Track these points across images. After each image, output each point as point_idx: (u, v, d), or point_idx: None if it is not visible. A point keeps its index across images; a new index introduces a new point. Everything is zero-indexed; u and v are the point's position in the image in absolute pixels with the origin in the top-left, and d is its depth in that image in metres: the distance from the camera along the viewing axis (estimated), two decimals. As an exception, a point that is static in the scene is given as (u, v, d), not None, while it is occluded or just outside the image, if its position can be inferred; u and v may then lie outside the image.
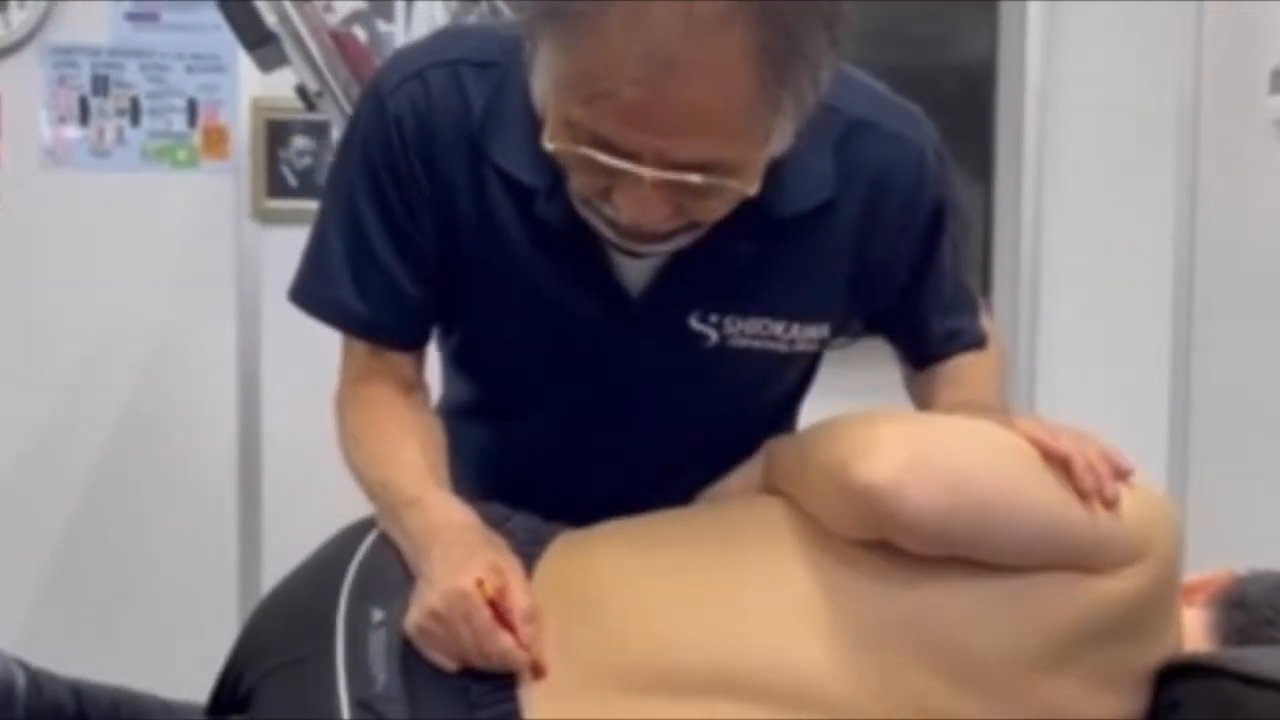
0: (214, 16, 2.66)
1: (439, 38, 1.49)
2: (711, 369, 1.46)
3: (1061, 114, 3.37)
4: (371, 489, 1.46)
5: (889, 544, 1.29)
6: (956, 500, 1.26)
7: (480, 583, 1.28)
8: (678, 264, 1.40)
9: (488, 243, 1.42)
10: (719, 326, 1.44)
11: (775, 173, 1.34)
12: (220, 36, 2.84)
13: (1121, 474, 1.32)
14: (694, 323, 1.43)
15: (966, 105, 3.35)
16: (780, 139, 1.26)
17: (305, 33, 2.40)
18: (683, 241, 1.34)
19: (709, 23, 1.15)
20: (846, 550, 1.31)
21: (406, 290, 1.46)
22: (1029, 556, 1.28)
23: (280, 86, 2.65)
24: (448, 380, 1.62)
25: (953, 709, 1.27)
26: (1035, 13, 3.32)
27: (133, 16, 3.27)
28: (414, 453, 1.46)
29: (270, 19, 2.42)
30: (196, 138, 3.31)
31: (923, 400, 1.64)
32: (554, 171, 1.34)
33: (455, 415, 1.57)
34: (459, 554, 1.33)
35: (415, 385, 1.53)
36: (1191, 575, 1.46)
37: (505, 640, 1.27)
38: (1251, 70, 2.91)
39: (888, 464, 1.26)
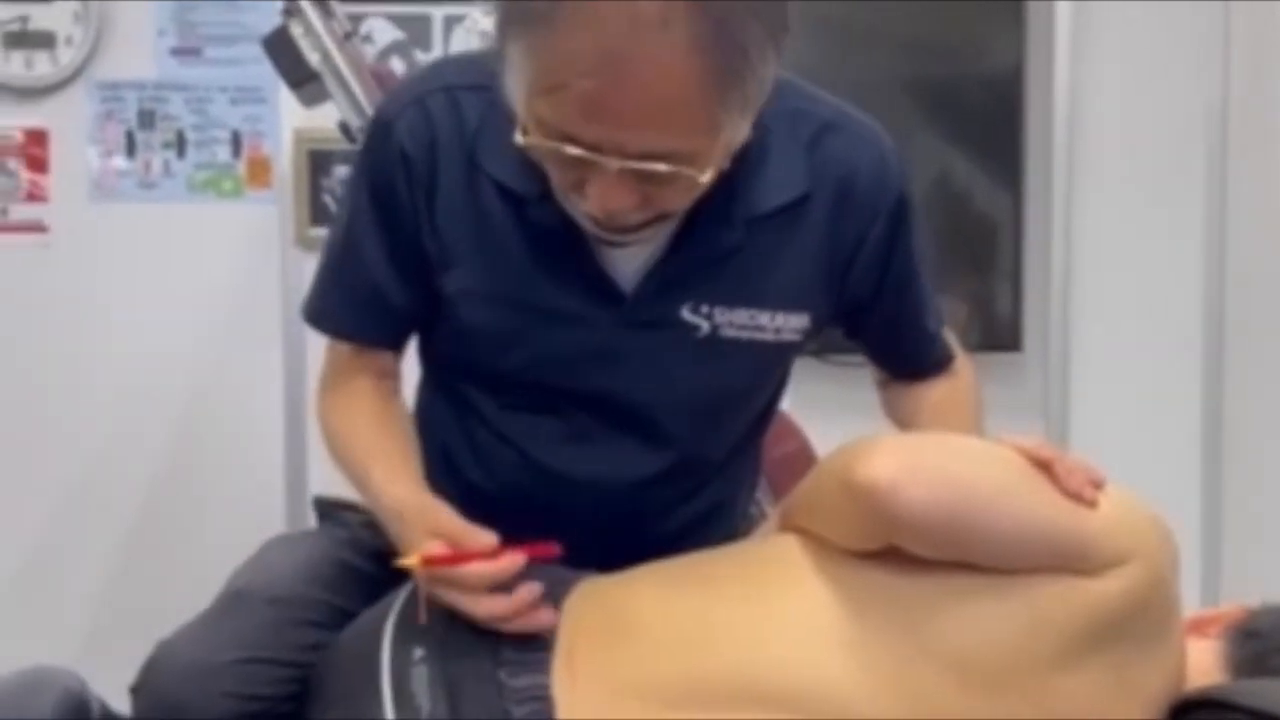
0: (256, 50, 2.72)
1: (435, 67, 1.62)
2: (703, 359, 1.55)
3: (1090, 121, 3.38)
4: (352, 480, 1.58)
5: (898, 555, 1.36)
6: (953, 496, 1.33)
7: (423, 561, 1.39)
8: (668, 259, 1.51)
9: (486, 251, 1.52)
10: (709, 317, 1.53)
11: (755, 171, 1.48)
12: (262, 70, 2.89)
13: (1096, 484, 1.39)
14: (686, 314, 1.53)
15: (995, 114, 3.36)
16: (732, 131, 1.36)
17: (347, 72, 2.46)
18: (656, 232, 1.44)
19: (651, 21, 1.25)
20: (859, 566, 1.39)
21: (395, 301, 1.58)
22: (1022, 555, 1.35)
23: (321, 118, 2.71)
24: (429, 388, 1.71)
25: (965, 712, 1.33)
26: (1063, 20, 3.33)
27: (177, 52, 3.34)
28: (374, 439, 1.58)
29: (313, 58, 2.49)
30: (241, 168, 3.38)
31: (907, 430, 1.72)
32: (543, 179, 1.44)
33: (439, 420, 1.66)
34: (406, 537, 1.46)
35: (390, 374, 1.65)
36: (1208, 609, 1.50)
37: (484, 605, 1.39)
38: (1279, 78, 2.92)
39: (886, 463, 1.33)
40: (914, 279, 1.65)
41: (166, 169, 3.37)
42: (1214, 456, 3.23)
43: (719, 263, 1.51)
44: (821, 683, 1.34)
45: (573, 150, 1.32)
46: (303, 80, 2.51)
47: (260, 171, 3.36)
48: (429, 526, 1.44)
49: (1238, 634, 1.46)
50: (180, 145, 3.37)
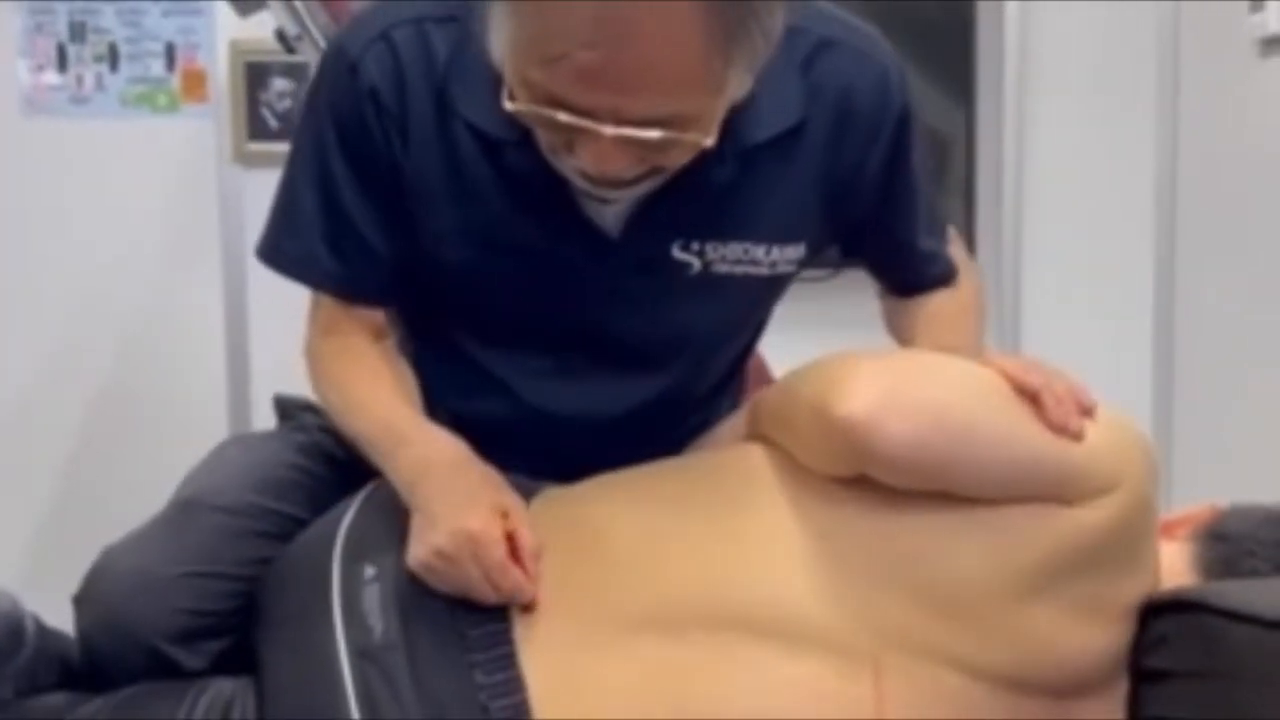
0: (189, -40, 2.66)
1: None
2: (696, 296, 1.49)
3: (1042, 35, 3.36)
4: (358, 435, 1.50)
5: (868, 481, 1.33)
6: (931, 432, 1.30)
7: (505, 515, 1.35)
8: (656, 199, 1.43)
9: (462, 195, 1.44)
10: (701, 254, 1.46)
11: (748, 100, 1.37)
12: (196, -21, 2.84)
13: (1086, 410, 1.36)
14: (676, 252, 1.46)
15: (946, 28, 3.33)
16: (736, 87, 1.29)
17: (283, -24, 2.39)
18: (648, 186, 1.37)
19: None
20: (828, 489, 1.35)
21: (378, 247, 1.49)
22: (1003, 488, 1.32)
23: (258, 29, 2.64)
24: (408, 324, 1.63)
25: (933, 638, 1.31)
26: (1014, -66, 3.31)
27: (108, -39, 3.27)
28: (393, 397, 1.51)
29: (248, -37, 2.42)
30: (176, 82, 3.31)
31: (904, 341, 1.67)
32: (520, 122, 1.36)
33: (420, 356, 1.59)
34: (461, 492, 1.39)
35: (384, 332, 1.57)
36: (1175, 510, 1.49)
37: (518, 575, 1.33)
38: (1232, -11, 2.90)
39: (864, 397, 1.30)
40: (914, 197, 1.59)
41: (99, 83, 3.31)
42: (1166, 367, 3.24)
43: (710, 199, 1.43)
44: (788, 608, 1.32)
45: (566, 118, 1.25)
46: (238, -14, 2.45)
47: (196, 85, 3.29)
48: (496, 502, 1.38)
49: (1207, 536, 1.45)
50: (113, 59, 3.30)
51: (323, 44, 2.41)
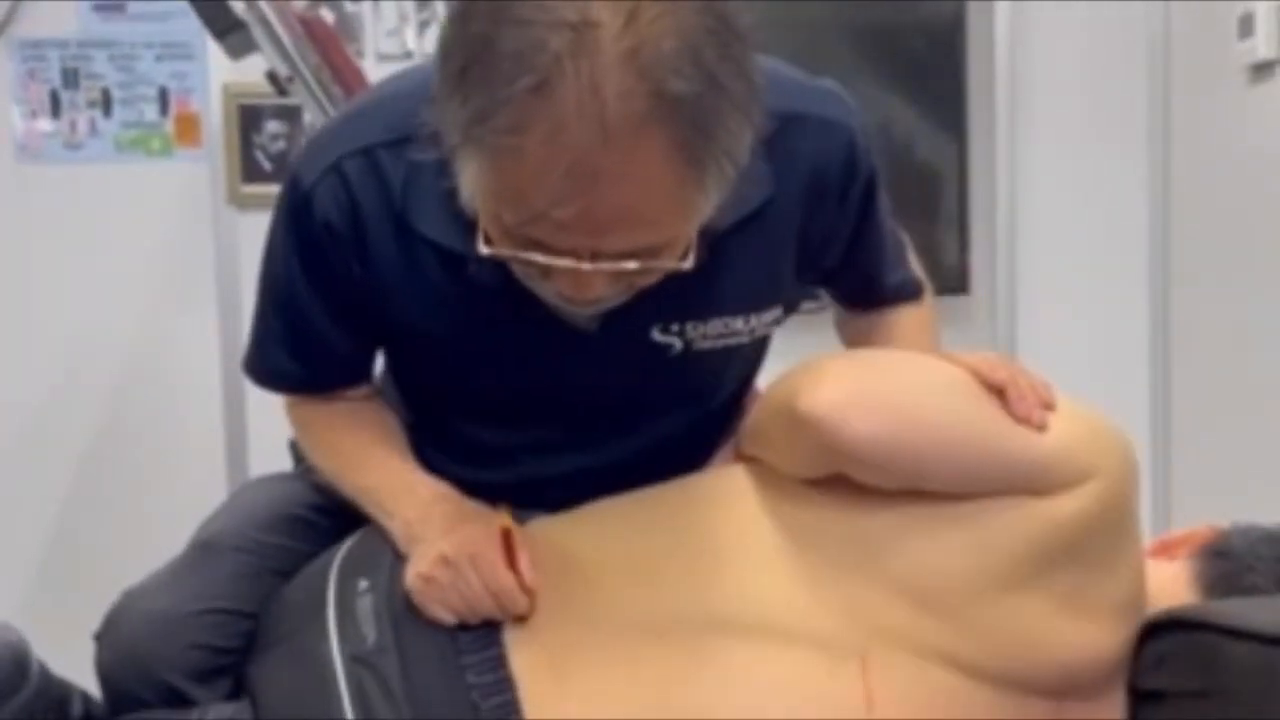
0: (180, 4, 2.67)
1: (350, 120, 1.49)
2: (679, 371, 1.49)
3: (1032, 65, 3.38)
4: (354, 496, 1.53)
5: (845, 481, 1.34)
6: (899, 425, 1.31)
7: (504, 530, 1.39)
8: None
9: (433, 307, 1.45)
10: (681, 334, 1.47)
11: None
12: (188, 24, 2.85)
13: (1048, 405, 1.37)
14: (657, 335, 1.46)
15: (936, 60, 3.35)
16: (708, 208, 1.27)
17: (273, 19, 2.41)
18: (623, 299, 1.36)
19: (625, 130, 1.15)
20: (805, 491, 1.38)
21: (347, 350, 1.53)
22: (974, 481, 1.33)
23: (250, 72, 2.65)
24: (394, 386, 1.64)
25: (918, 633, 1.32)
26: (1003, -36, 3.33)
27: (100, 8, 3.28)
28: (385, 450, 1.54)
29: (238, 6, 2.43)
30: (169, 126, 3.33)
31: (860, 343, 1.67)
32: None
33: (423, 435, 1.60)
34: (457, 515, 1.43)
35: (367, 394, 1.60)
36: (1174, 529, 1.49)
37: (513, 580, 1.36)
38: (1220, 16, 2.92)
39: (831, 393, 1.31)
40: (881, 244, 1.59)
41: (93, 128, 3.32)
42: (1162, 396, 3.25)
43: (682, 282, 1.38)
44: (772, 607, 1.34)
45: (544, 260, 1.25)
46: (227, 30, 2.46)
47: (189, 129, 3.32)
48: (493, 518, 1.44)
49: (1208, 553, 1.46)
50: (106, 104, 3.32)
51: (314, 84, 2.43)
